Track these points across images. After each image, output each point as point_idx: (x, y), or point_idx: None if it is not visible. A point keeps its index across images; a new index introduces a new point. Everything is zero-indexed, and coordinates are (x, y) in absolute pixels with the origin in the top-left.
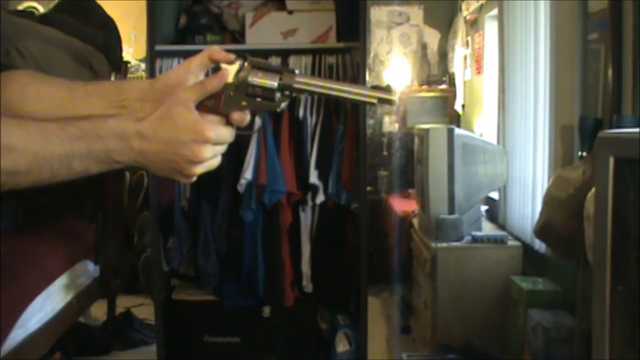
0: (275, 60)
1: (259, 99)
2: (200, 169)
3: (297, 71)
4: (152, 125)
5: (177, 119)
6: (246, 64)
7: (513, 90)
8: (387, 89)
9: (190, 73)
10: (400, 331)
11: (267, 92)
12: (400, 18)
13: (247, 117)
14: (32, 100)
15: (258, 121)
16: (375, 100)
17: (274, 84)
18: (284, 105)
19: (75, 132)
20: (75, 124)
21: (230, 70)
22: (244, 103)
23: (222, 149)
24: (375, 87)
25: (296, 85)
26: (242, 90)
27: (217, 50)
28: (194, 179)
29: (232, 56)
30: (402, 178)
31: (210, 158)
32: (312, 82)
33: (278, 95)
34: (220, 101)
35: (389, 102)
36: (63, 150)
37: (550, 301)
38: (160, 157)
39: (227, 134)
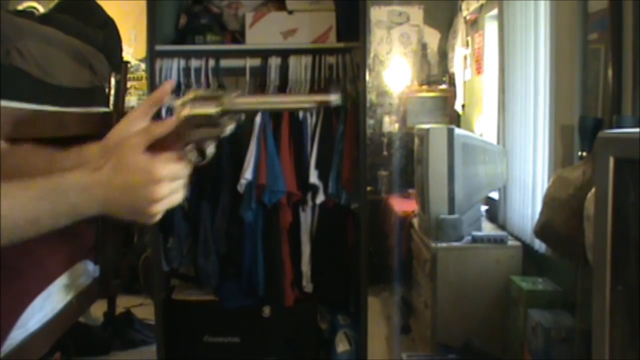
0: (275, 60)
1: (203, 128)
2: (161, 207)
3: (236, 92)
4: (108, 174)
5: (129, 164)
6: (185, 97)
7: (513, 90)
8: (328, 93)
9: (135, 122)
10: (400, 331)
11: (210, 120)
12: (400, 18)
13: (209, 148)
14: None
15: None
16: (314, 105)
17: (212, 110)
18: (230, 127)
19: (38, 192)
20: (36, 184)
21: (177, 105)
22: (191, 135)
23: (180, 183)
24: (316, 92)
25: (235, 107)
26: (186, 123)
27: (158, 93)
28: (159, 217)
29: (168, 88)
30: (402, 178)
31: (170, 194)
32: (252, 100)
33: (222, 120)
34: (169, 138)
35: (328, 103)
36: (29, 212)
37: (550, 301)
38: (121, 203)
39: (180, 170)
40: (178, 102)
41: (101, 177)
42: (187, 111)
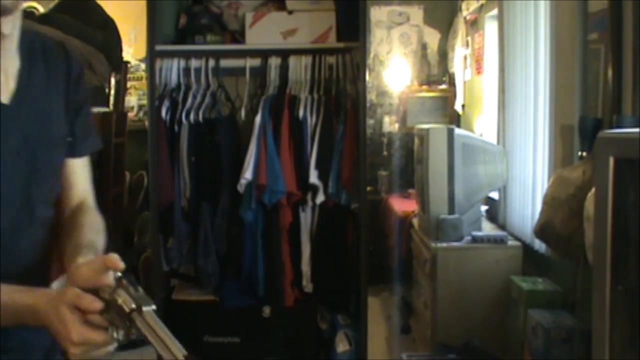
0: (275, 60)
1: (116, 316)
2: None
3: (152, 307)
4: (46, 307)
5: (58, 313)
6: (115, 282)
7: (513, 90)
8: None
9: (89, 274)
10: (400, 331)
11: (124, 314)
12: (400, 18)
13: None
14: None
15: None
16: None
17: (126, 308)
18: (121, 340)
19: None
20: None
21: (105, 286)
22: (105, 314)
23: (98, 348)
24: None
25: (141, 328)
26: (109, 304)
27: (109, 259)
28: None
29: (120, 265)
30: (402, 178)
31: (84, 350)
32: (159, 330)
33: (127, 322)
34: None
35: None
36: None
37: (550, 301)
38: (53, 331)
39: (96, 339)
40: (110, 284)
41: (45, 306)
42: (108, 295)
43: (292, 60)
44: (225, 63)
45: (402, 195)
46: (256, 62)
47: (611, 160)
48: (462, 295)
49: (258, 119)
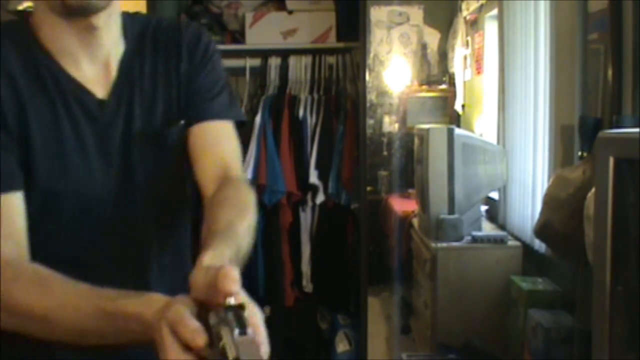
0: (275, 61)
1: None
2: None
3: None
4: (152, 317)
5: (159, 329)
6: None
7: (513, 90)
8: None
9: (203, 286)
10: (400, 331)
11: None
12: (400, 18)
13: None
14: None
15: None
16: None
17: (229, 355)
18: None
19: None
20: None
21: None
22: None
23: None
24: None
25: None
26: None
27: (221, 276)
28: None
29: (228, 288)
30: (402, 178)
31: None
32: None
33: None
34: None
35: None
36: (77, 323)
37: (550, 301)
38: (156, 343)
39: None
40: (220, 310)
41: (151, 318)
42: (215, 322)
43: (292, 60)
44: (225, 63)
45: (402, 195)
46: (256, 62)
47: (611, 160)
48: (462, 295)
49: (258, 119)
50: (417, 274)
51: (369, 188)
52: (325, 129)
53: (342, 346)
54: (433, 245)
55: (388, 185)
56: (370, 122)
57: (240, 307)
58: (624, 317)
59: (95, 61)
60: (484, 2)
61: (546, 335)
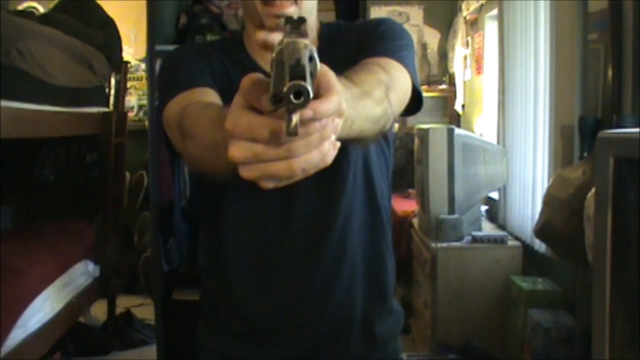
0: None
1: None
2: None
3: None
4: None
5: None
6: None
7: (513, 90)
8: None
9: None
10: (400, 331)
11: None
12: (400, 18)
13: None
14: None
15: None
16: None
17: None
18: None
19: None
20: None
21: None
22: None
23: (263, 148)
24: None
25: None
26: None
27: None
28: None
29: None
30: (402, 178)
31: (247, 159)
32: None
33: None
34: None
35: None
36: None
37: (550, 301)
38: None
39: (254, 123)
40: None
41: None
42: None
43: None
44: None
45: (402, 195)
46: None
47: (611, 160)
48: (462, 295)
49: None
50: (417, 274)
51: None
52: None
53: None
54: (433, 245)
55: None
56: None
57: (300, 20)
58: (624, 317)
59: None
60: (484, 2)
61: (546, 335)
